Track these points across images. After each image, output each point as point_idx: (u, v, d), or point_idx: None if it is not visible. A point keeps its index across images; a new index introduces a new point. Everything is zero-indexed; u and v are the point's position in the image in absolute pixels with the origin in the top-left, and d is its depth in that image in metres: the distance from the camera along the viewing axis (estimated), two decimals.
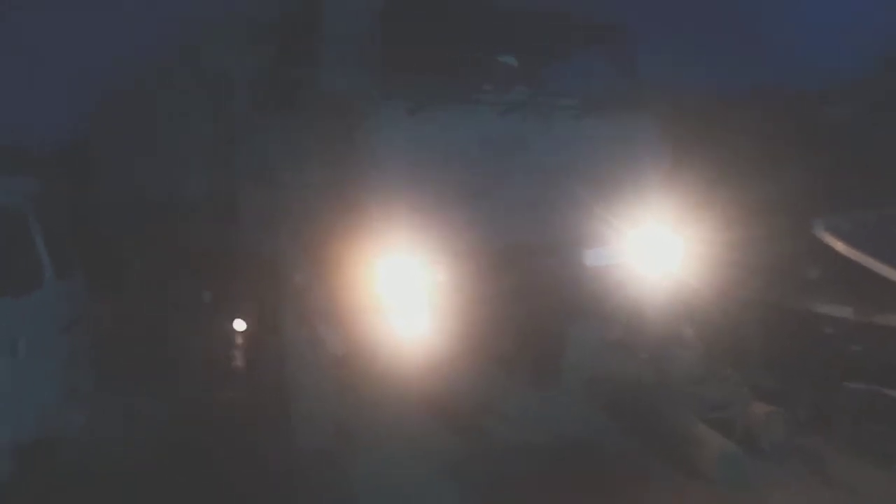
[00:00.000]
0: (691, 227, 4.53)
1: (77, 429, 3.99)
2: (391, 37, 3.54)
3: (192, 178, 5.08)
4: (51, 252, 3.81)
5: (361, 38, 3.44)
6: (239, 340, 5.13)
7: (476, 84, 4.27)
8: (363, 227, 3.50)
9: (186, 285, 5.41)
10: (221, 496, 3.54)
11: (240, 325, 4.96)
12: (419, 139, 3.63)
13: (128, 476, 3.75)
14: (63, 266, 3.96)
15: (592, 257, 4.25)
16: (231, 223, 4.60)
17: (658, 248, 4.39)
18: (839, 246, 4.43)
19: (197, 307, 5.32)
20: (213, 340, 5.48)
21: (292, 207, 3.86)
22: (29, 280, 3.59)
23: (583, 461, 3.88)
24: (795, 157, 5.81)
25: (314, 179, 3.72)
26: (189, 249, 5.22)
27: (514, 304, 4.08)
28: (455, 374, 3.86)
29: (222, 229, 4.71)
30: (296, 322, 3.83)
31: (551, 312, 4.29)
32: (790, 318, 4.62)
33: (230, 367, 5.30)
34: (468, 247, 3.76)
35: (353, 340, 3.55)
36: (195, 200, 5.01)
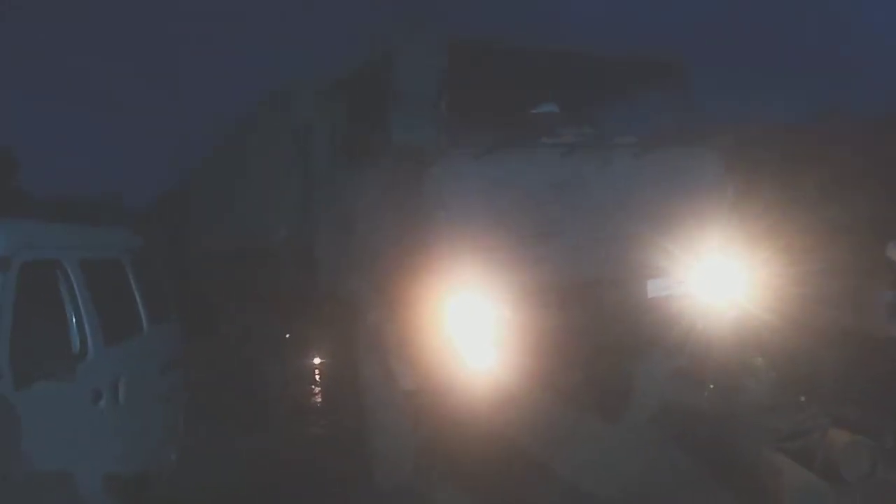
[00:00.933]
0: (759, 255, 4.52)
1: (173, 463, 4.25)
2: (457, 90, 3.77)
3: (277, 225, 5.39)
4: (147, 300, 4.12)
5: (429, 92, 3.67)
6: (319, 378, 5.38)
7: (527, 130, 4.44)
8: (434, 268, 3.68)
9: (271, 327, 5.71)
10: None
11: (319, 363, 5.21)
12: (484, 183, 3.80)
13: None
14: (160, 312, 4.28)
15: (656, 289, 4.30)
16: (311, 267, 4.87)
17: (724, 277, 4.40)
18: None
19: (280, 347, 5.60)
20: (295, 379, 5.77)
21: (367, 251, 4.09)
22: (128, 327, 3.83)
23: (656, 495, 3.87)
24: (863, 182, 5.69)
25: (387, 224, 3.94)
26: (273, 293, 5.51)
27: (581, 338, 4.16)
28: (526, 408, 3.96)
29: (303, 273, 4.98)
30: (370, 359, 4.03)
31: (619, 345, 4.34)
32: (867, 344, 4.50)
33: (311, 405, 5.55)
34: (535, 284, 3.88)
35: (425, 376, 3.70)
36: (280, 247, 5.31)
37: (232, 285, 6.29)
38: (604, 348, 4.35)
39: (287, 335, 5.49)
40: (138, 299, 4.06)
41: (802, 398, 4.31)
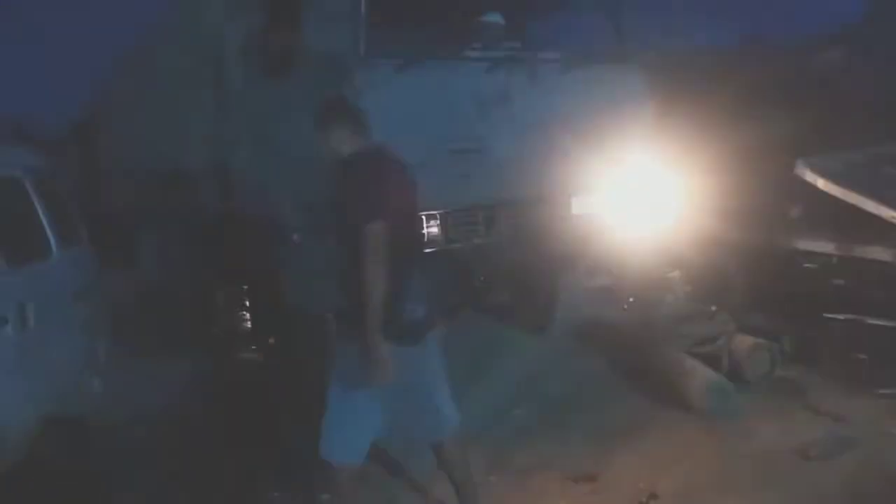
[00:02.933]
0: (677, 174, 4.65)
1: (97, 393, 4.11)
2: None
3: (193, 147, 5.14)
4: (56, 223, 3.87)
5: None
6: (245, 305, 5.28)
7: (462, 41, 4.33)
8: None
9: (192, 254, 5.52)
10: (240, 467, 3.53)
11: (245, 289, 5.10)
12: (407, 96, 3.70)
13: (146, 446, 3.86)
14: (69, 237, 4.05)
15: (580, 206, 4.38)
16: (230, 187, 4.69)
17: (644, 194, 4.52)
18: (820, 183, 4.55)
19: (203, 274, 5.44)
20: (221, 306, 5.64)
21: (286, 168, 3.96)
22: (33, 250, 3.57)
23: (576, 401, 4.06)
24: (783, 104, 5.87)
25: (307, 142, 3.80)
26: (192, 218, 5.31)
27: (505, 255, 4.22)
28: (449, 324, 4.01)
29: (223, 196, 4.80)
30: (296, 281, 3.96)
31: (543, 262, 4.43)
32: (774, 256, 4.76)
33: (239, 332, 5.46)
34: (460, 202, 3.88)
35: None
36: (196, 169, 5.07)
37: (149, 210, 6.01)
38: (529, 265, 4.44)
39: (210, 262, 5.32)
40: (44, 222, 3.81)
41: (713, 308, 4.55)
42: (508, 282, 4.70)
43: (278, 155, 4.03)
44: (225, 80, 4.59)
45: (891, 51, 6.74)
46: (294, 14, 3.67)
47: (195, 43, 4.93)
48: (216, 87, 4.67)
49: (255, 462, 3.56)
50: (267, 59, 4.01)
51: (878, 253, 4.32)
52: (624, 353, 4.49)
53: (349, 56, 3.54)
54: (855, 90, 6.17)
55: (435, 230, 3.90)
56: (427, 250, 3.69)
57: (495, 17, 4.37)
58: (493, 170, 3.98)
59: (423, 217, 3.73)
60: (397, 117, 3.64)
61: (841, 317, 4.30)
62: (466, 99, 3.93)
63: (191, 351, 4.99)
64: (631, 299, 4.91)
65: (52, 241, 3.79)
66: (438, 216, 3.84)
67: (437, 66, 3.87)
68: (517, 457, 3.53)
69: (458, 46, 4.15)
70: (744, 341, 4.18)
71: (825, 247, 4.62)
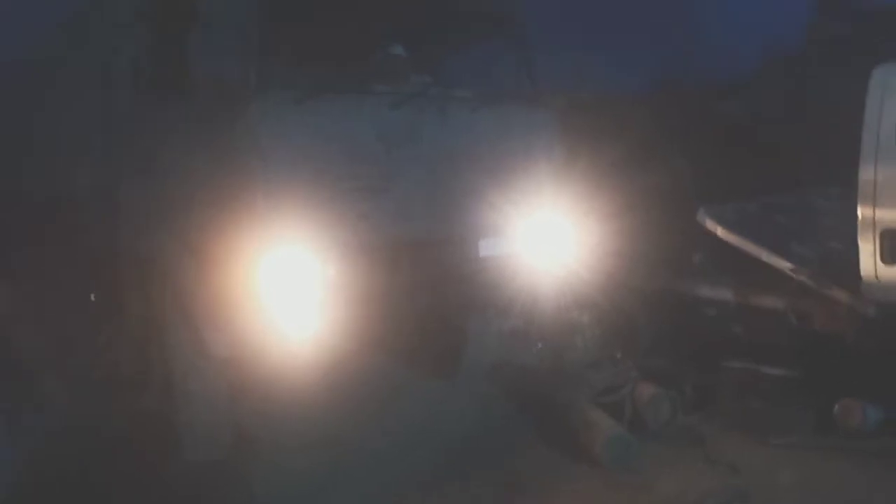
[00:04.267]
0: (583, 217, 4.65)
1: None
2: (276, 22, 3.41)
3: (77, 171, 4.76)
4: None
5: (240, 22, 3.28)
6: (126, 344, 4.85)
7: (367, 75, 4.19)
8: (247, 222, 3.35)
9: (72, 287, 5.08)
10: None
11: (126, 327, 4.69)
12: (306, 130, 3.50)
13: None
14: None
15: (487, 248, 4.28)
16: (114, 219, 4.33)
17: (551, 237, 4.48)
18: (720, 231, 4.67)
19: (83, 309, 5.01)
20: (100, 344, 5.17)
21: (173, 201, 3.66)
22: None
23: (483, 451, 3.92)
24: (685, 151, 6.08)
25: (194, 172, 3.53)
26: (74, 248, 4.89)
27: (409, 298, 4.05)
28: (351, 371, 3.80)
29: (106, 226, 4.43)
30: (178, 324, 3.64)
31: (448, 305, 4.29)
32: (675, 302, 4.84)
33: (117, 375, 5.01)
34: (360, 241, 3.68)
35: (240, 342, 3.41)
36: (82, 195, 4.70)
37: (28, 238, 5.51)
38: (433, 307, 4.28)
39: (92, 297, 4.88)
40: None
41: (619, 354, 4.54)
42: (412, 325, 4.53)
43: (163, 185, 3.73)
44: (113, 103, 4.26)
45: (785, 102, 7.18)
46: (184, 38, 3.41)
47: (84, 63, 4.60)
48: (105, 112, 4.34)
49: None
50: (155, 81, 3.72)
51: (772, 301, 4.46)
52: (532, 400, 4.40)
53: (241, 86, 3.31)
54: (751, 139, 6.50)
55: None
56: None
57: (397, 50, 4.26)
58: (397, 209, 3.82)
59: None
60: (294, 152, 3.45)
61: (738, 365, 4.39)
62: (370, 135, 3.76)
63: (60, 396, 4.51)
64: (540, 344, 4.83)
65: None
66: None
67: (339, 99, 3.69)
68: None
69: (361, 81, 3.99)
70: (646, 389, 4.18)
71: (724, 294, 4.74)
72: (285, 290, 3.40)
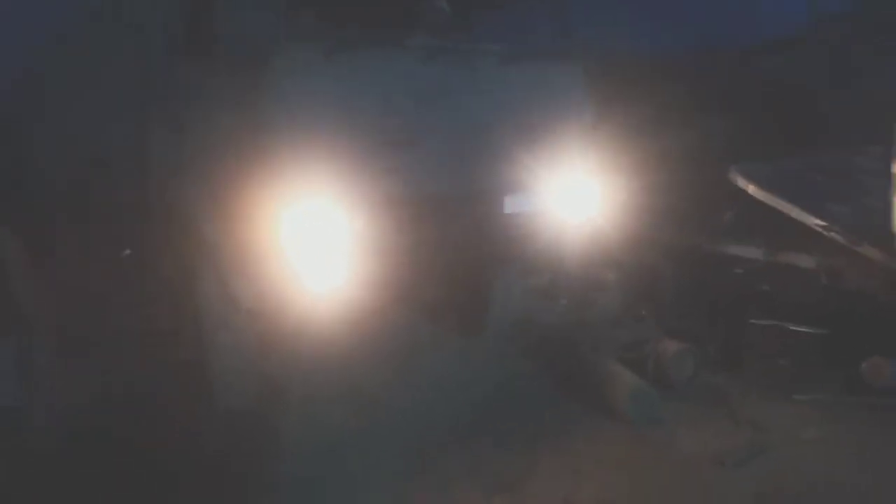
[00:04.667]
0: (613, 173, 4.60)
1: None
2: None
3: (116, 130, 4.85)
4: None
5: None
6: (159, 297, 4.98)
7: (401, 28, 4.15)
8: (276, 175, 3.39)
9: (110, 242, 5.21)
10: (142, 468, 3.39)
11: (159, 282, 4.81)
12: (334, 84, 3.51)
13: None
14: None
15: (514, 204, 4.27)
16: (146, 175, 4.41)
17: (579, 194, 4.45)
18: (751, 189, 4.58)
19: (119, 265, 5.14)
20: (135, 300, 5.32)
21: (201, 155, 3.71)
22: None
23: (507, 406, 3.98)
24: (721, 110, 5.92)
25: (224, 127, 3.57)
26: (110, 205, 5.00)
27: (436, 253, 4.08)
28: (376, 325, 3.86)
29: (139, 182, 4.52)
30: (208, 277, 3.73)
31: (474, 260, 4.31)
32: (703, 260, 4.79)
33: (153, 328, 5.15)
34: (386, 195, 3.71)
35: (267, 294, 3.48)
36: (116, 154, 4.78)
37: (71, 197, 5.66)
38: (460, 264, 4.31)
39: (127, 252, 5.00)
40: None
41: (643, 311, 4.54)
42: (438, 279, 4.57)
43: (192, 140, 3.78)
44: (147, 61, 4.30)
45: (829, 60, 6.91)
46: None
47: (118, 23, 4.63)
48: (139, 72, 4.38)
49: None
50: (185, 41, 3.74)
51: (803, 260, 4.39)
52: (556, 356, 4.44)
53: (269, 39, 3.31)
54: (793, 98, 6.30)
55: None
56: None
57: (441, 4, 4.20)
58: (424, 164, 3.81)
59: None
60: (321, 105, 3.46)
61: (764, 322, 4.36)
62: (398, 89, 3.75)
63: (108, 349, 4.66)
64: (564, 301, 4.84)
65: None
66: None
67: (367, 53, 3.66)
68: (440, 464, 3.43)
69: (394, 33, 3.95)
70: (669, 346, 4.17)
71: (753, 252, 4.67)
72: (311, 242, 3.45)
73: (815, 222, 4.26)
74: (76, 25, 5.56)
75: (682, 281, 4.83)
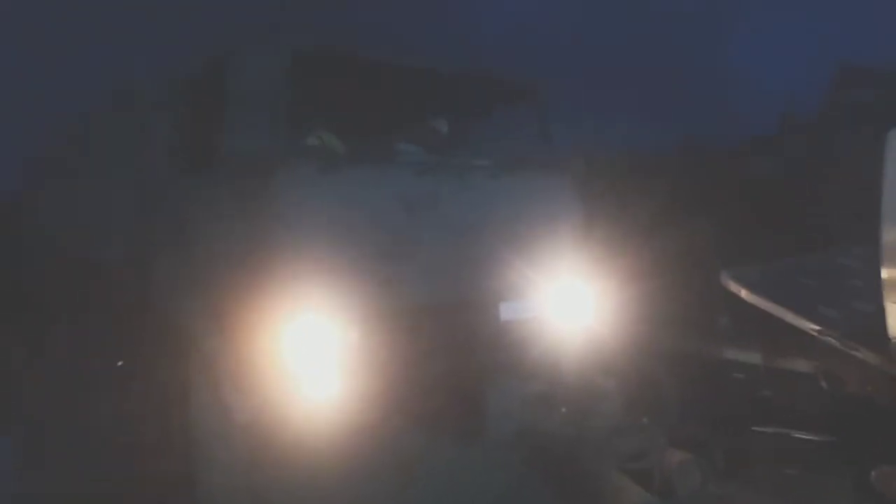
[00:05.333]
0: (606, 280, 4.66)
1: None
2: (300, 96, 3.59)
3: (113, 238, 4.94)
4: None
5: (266, 97, 3.46)
6: (151, 409, 4.88)
7: (389, 144, 4.35)
8: (272, 289, 3.43)
9: (103, 352, 5.17)
10: None
11: (152, 393, 4.73)
12: (331, 198, 3.62)
13: None
14: None
15: (509, 312, 4.29)
16: (146, 287, 4.45)
17: (574, 301, 4.49)
18: (745, 294, 4.63)
19: (112, 375, 5.08)
20: (127, 411, 5.21)
21: (202, 269, 3.77)
22: None
23: None
24: (708, 212, 6.11)
25: (223, 240, 3.65)
26: (105, 314, 5.01)
27: (432, 362, 4.06)
28: (373, 437, 3.77)
29: (137, 293, 4.55)
30: (203, 388, 3.68)
31: (471, 369, 4.28)
32: (702, 366, 4.76)
33: (144, 440, 5.01)
34: (383, 307, 3.74)
35: (262, 407, 3.43)
36: (116, 263, 4.85)
37: (65, 302, 5.68)
38: (456, 372, 4.27)
39: (119, 363, 4.96)
40: None
41: (645, 420, 4.45)
42: (435, 389, 4.50)
43: (193, 253, 3.85)
44: (148, 172, 4.46)
45: (808, 163, 7.20)
46: (217, 111, 3.60)
47: (122, 133, 4.83)
48: (141, 183, 4.54)
49: None
50: (189, 154, 3.91)
51: (801, 364, 4.37)
52: (557, 466, 4.30)
53: (270, 154, 3.45)
54: (778, 199, 6.51)
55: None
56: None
57: (441, 124, 4.42)
58: (419, 274, 3.88)
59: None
60: (318, 219, 3.56)
61: (769, 430, 4.27)
62: (392, 202, 3.88)
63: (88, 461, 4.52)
64: (564, 409, 4.76)
65: None
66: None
67: (362, 168, 3.82)
68: None
69: (384, 150, 4.14)
70: (674, 456, 4.06)
71: (752, 357, 4.65)
72: (309, 356, 3.45)
73: (809, 326, 4.28)
74: (84, 127, 5.80)
75: (682, 387, 4.77)
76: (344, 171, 3.67)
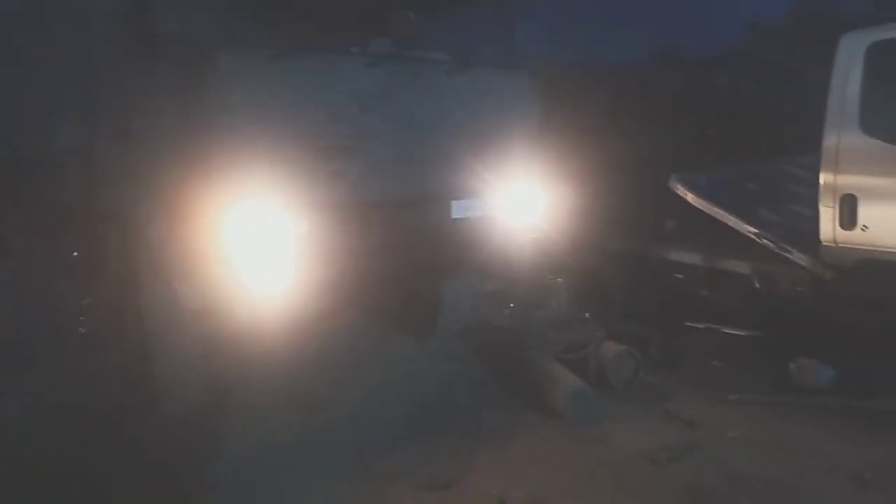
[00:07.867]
0: (559, 180, 4.73)
1: None
2: None
3: (58, 129, 4.79)
4: None
5: None
6: (106, 300, 4.93)
7: (344, 35, 4.20)
8: (219, 178, 3.42)
9: (52, 245, 5.14)
10: (82, 474, 3.32)
11: (106, 284, 4.76)
12: (278, 88, 3.54)
13: None
14: None
15: (461, 209, 4.35)
16: (92, 177, 4.38)
17: (526, 200, 4.56)
18: (690, 197, 4.75)
19: (67, 267, 5.08)
20: (84, 302, 5.25)
21: (146, 158, 3.72)
22: None
23: (452, 405, 4.05)
24: (663, 120, 6.13)
25: (166, 128, 3.58)
26: (59, 207, 4.94)
27: (383, 257, 4.13)
28: (323, 327, 3.90)
29: (85, 184, 4.48)
30: (153, 279, 3.72)
31: (422, 265, 4.38)
32: (646, 265, 4.94)
33: (100, 331, 5.09)
34: (332, 199, 3.75)
35: (211, 295, 3.50)
36: (63, 154, 4.73)
37: (13, 197, 5.56)
38: (408, 268, 4.37)
39: (74, 254, 4.95)
40: None
41: (587, 314, 4.66)
42: (386, 284, 4.62)
43: (137, 142, 3.78)
44: (90, 63, 4.28)
45: (765, 74, 7.20)
46: None
47: (63, 24, 4.59)
48: (85, 71, 4.36)
49: None
50: (127, 40, 3.75)
51: (737, 266, 4.57)
52: (501, 358, 4.53)
53: (212, 41, 3.34)
54: (732, 109, 6.55)
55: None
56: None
57: (409, 14, 4.27)
58: (370, 169, 3.88)
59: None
60: (266, 109, 3.50)
61: (701, 325, 4.52)
62: (344, 94, 3.81)
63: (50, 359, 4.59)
64: (512, 304, 4.95)
65: None
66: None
67: (313, 59, 3.72)
68: (378, 463, 3.47)
69: (337, 40, 4.01)
70: (610, 348, 4.30)
71: (693, 258, 4.84)
72: (254, 244, 3.48)
73: (748, 229, 4.44)
74: (27, 15, 5.47)
75: (626, 285, 4.98)
76: (293, 61, 3.57)
